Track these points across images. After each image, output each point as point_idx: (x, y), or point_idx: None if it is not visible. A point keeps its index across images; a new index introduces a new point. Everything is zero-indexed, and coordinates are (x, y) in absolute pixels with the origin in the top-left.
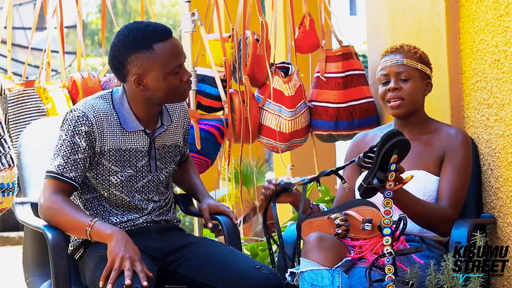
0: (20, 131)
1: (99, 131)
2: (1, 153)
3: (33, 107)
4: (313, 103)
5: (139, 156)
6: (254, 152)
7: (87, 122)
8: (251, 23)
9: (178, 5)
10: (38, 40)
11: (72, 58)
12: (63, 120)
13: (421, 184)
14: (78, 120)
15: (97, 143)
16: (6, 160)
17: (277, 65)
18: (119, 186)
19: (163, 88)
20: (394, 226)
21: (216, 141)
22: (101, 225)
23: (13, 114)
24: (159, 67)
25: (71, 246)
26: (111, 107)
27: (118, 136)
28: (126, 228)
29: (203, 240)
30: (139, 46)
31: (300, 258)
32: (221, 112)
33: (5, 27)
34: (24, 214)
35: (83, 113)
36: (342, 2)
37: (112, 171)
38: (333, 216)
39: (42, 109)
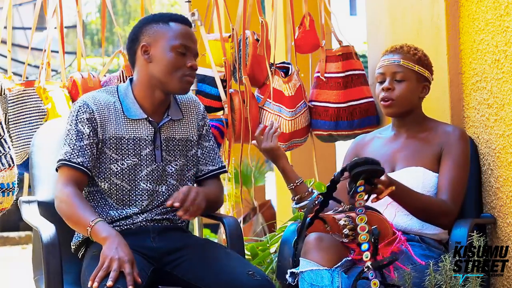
0: (20, 131)
1: (100, 119)
2: (1, 153)
3: (33, 107)
4: (313, 103)
5: (143, 145)
6: (254, 152)
7: (88, 109)
8: (251, 23)
9: (178, 5)
10: (38, 40)
11: (72, 58)
12: (69, 112)
13: (419, 180)
14: (79, 109)
15: (99, 130)
16: (6, 160)
17: (277, 65)
18: (119, 175)
19: (165, 61)
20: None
21: (216, 141)
22: (101, 226)
23: (13, 114)
24: (168, 38)
25: (73, 245)
26: (116, 97)
27: (120, 125)
28: (126, 226)
29: (202, 242)
30: (157, 19)
31: (300, 258)
32: (221, 112)
33: (5, 27)
34: (28, 213)
35: (84, 102)
36: (342, 2)
37: (113, 159)
38: (342, 223)
39: (42, 109)
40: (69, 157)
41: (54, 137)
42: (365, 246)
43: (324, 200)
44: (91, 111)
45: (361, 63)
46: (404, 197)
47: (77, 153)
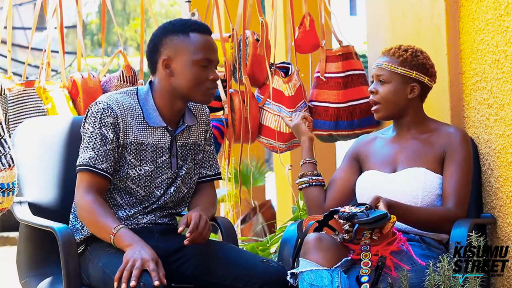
0: None
1: (123, 123)
2: (1, 153)
3: (33, 107)
4: (313, 103)
5: (159, 152)
6: (254, 152)
7: (112, 113)
8: (251, 23)
9: (177, 5)
10: (38, 40)
11: (72, 58)
12: (87, 113)
13: (421, 180)
14: (104, 112)
15: (121, 135)
16: (6, 160)
17: (277, 65)
18: (136, 180)
19: (188, 76)
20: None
21: (216, 141)
22: (123, 233)
23: (13, 114)
24: (189, 52)
25: None
26: (136, 101)
27: (140, 131)
28: (130, 226)
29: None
30: (177, 30)
31: (300, 259)
32: (221, 112)
33: (5, 27)
34: (24, 214)
35: (108, 105)
36: (342, 2)
37: (132, 165)
38: (342, 221)
39: (42, 109)
40: (93, 162)
41: (34, 136)
42: (365, 279)
43: (319, 227)
44: (115, 115)
45: (361, 63)
46: (405, 216)
47: (101, 159)
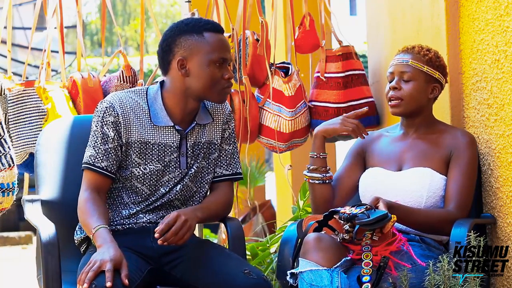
0: (20, 131)
1: (125, 122)
2: (1, 153)
3: (33, 107)
4: (313, 103)
5: (167, 151)
6: (254, 152)
7: (113, 112)
8: (251, 23)
9: (177, 5)
10: (38, 40)
11: (72, 58)
12: (94, 111)
13: (427, 180)
14: (106, 111)
15: (123, 134)
16: (6, 160)
17: (277, 65)
18: (141, 179)
19: (205, 76)
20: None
21: None
22: (99, 234)
23: (13, 114)
24: (205, 52)
25: (76, 240)
26: (144, 101)
27: (146, 130)
28: (128, 225)
29: (201, 242)
30: (190, 30)
31: (299, 259)
32: None
33: (5, 27)
34: (31, 211)
35: (110, 104)
36: (342, 2)
37: (136, 163)
38: (342, 221)
39: (42, 109)
40: (93, 161)
41: (59, 137)
42: (366, 279)
43: (319, 227)
44: (116, 114)
45: (361, 63)
46: (405, 218)
47: (101, 157)
